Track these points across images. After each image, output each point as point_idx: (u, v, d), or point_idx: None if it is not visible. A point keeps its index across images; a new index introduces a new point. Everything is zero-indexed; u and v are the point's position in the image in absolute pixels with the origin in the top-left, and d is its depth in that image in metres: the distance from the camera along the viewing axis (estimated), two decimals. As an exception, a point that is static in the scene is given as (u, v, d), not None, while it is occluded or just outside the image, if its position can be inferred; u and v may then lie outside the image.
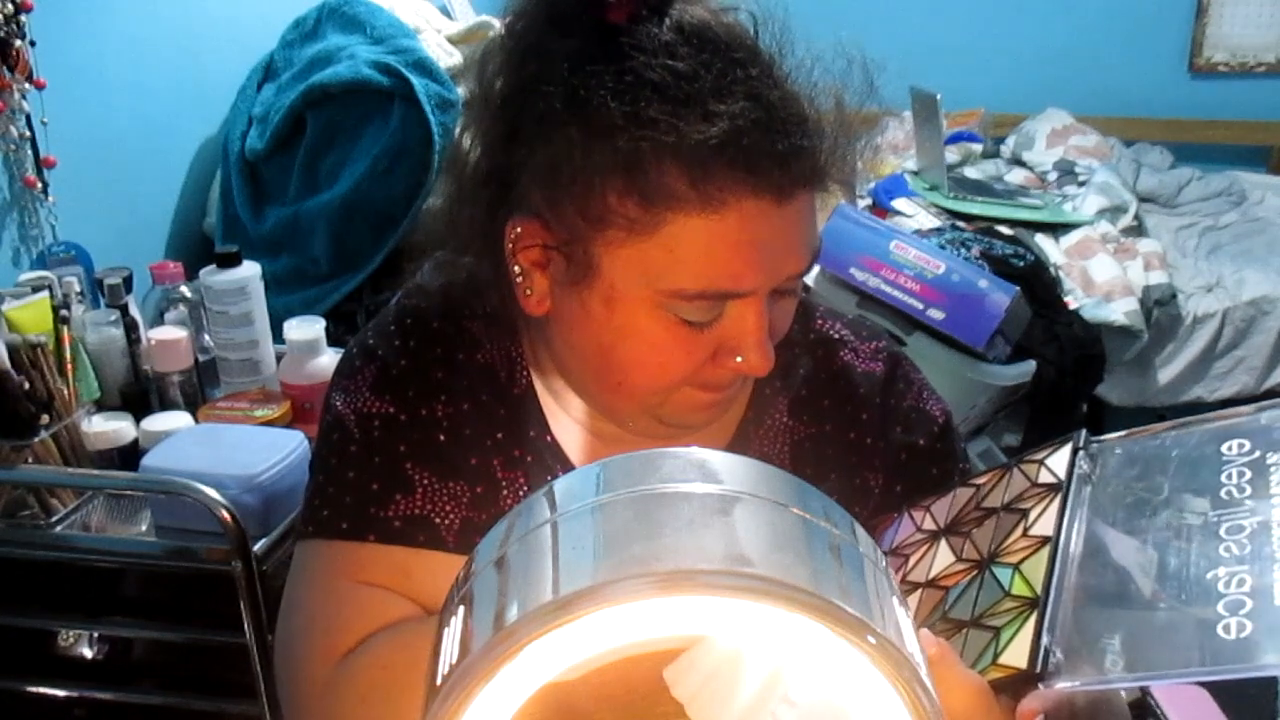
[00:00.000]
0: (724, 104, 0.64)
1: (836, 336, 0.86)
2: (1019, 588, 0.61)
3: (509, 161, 0.70)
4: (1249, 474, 0.60)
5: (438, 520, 0.76)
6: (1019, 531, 0.65)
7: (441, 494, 0.77)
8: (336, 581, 0.76)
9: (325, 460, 0.79)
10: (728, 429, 0.82)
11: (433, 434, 0.77)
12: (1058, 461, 0.68)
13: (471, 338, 0.80)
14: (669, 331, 0.68)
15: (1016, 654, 0.57)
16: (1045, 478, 0.68)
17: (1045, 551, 0.62)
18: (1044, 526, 0.64)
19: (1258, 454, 0.61)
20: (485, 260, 0.75)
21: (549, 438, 0.80)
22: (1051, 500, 0.65)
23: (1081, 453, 0.68)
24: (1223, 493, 0.60)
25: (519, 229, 0.70)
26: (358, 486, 0.76)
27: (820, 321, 0.86)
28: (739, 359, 0.70)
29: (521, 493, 0.79)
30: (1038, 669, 0.56)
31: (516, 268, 0.72)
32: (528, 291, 0.73)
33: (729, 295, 0.67)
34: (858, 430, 0.83)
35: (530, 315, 0.74)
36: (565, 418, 0.81)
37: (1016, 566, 0.63)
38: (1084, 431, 0.70)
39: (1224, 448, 0.63)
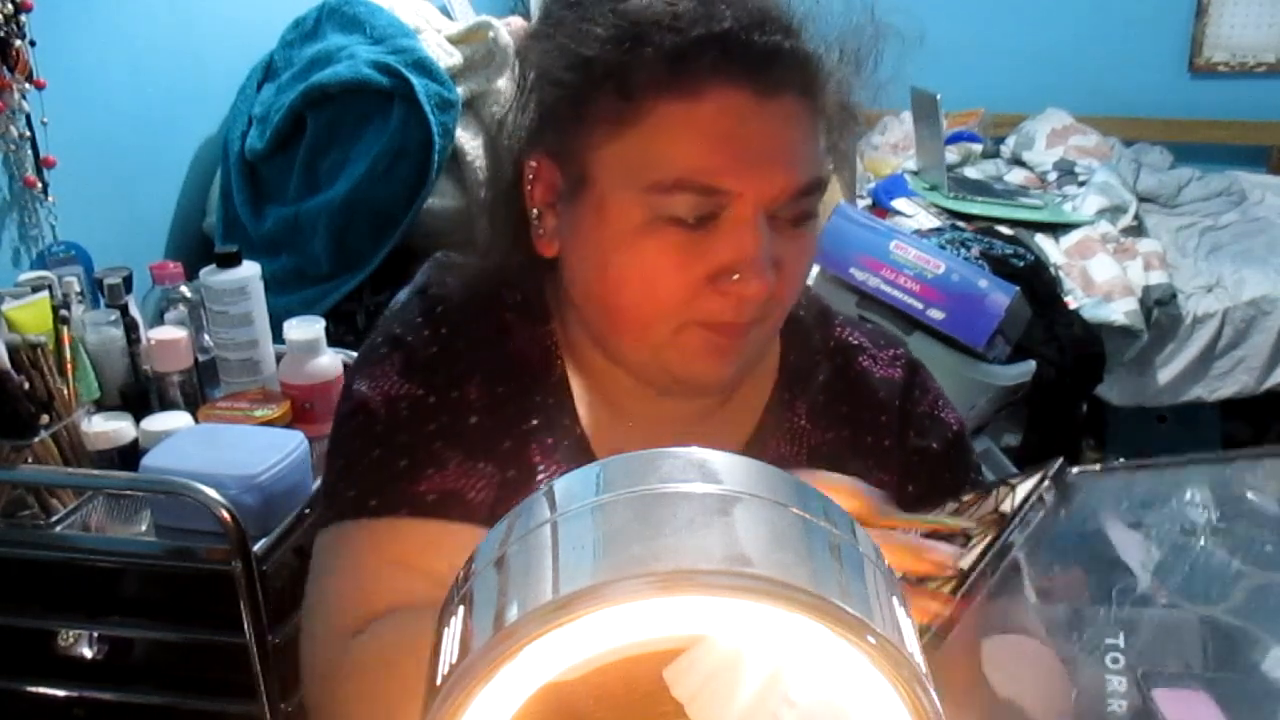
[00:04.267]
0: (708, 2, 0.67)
1: (855, 343, 0.86)
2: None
3: (529, 108, 0.74)
4: (1178, 529, 0.59)
5: (471, 496, 0.74)
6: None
7: (473, 473, 0.75)
8: (365, 559, 0.73)
9: (347, 444, 0.77)
10: (746, 428, 0.83)
11: (463, 416, 0.76)
12: (1024, 490, 0.67)
13: (503, 326, 0.80)
14: (659, 240, 0.68)
15: None
16: (1006, 505, 0.66)
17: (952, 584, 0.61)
18: (968, 559, 0.62)
19: (1201, 509, 0.60)
20: (514, 212, 0.77)
21: (579, 430, 0.80)
22: (990, 534, 0.64)
23: (1048, 483, 0.66)
24: (1146, 550, 0.59)
25: (534, 163, 0.73)
26: (386, 464, 0.74)
27: (839, 329, 0.87)
28: (735, 277, 0.68)
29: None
30: None
31: (535, 211, 0.75)
32: (540, 232, 0.75)
33: (713, 191, 0.67)
34: (875, 434, 0.83)
35: (543, 255, 0.76)
36: (598, 407, 0.80)
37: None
38: (1061, 460, 0.69)
39: (1176, 499, 0.61)
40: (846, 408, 0.84)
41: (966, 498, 0.73)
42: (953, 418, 0.86)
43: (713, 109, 0.66)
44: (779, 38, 0.68)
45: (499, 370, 0.78)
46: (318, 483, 1.34)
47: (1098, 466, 0.67)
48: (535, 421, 0.78)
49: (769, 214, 0.68)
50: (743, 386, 0.82)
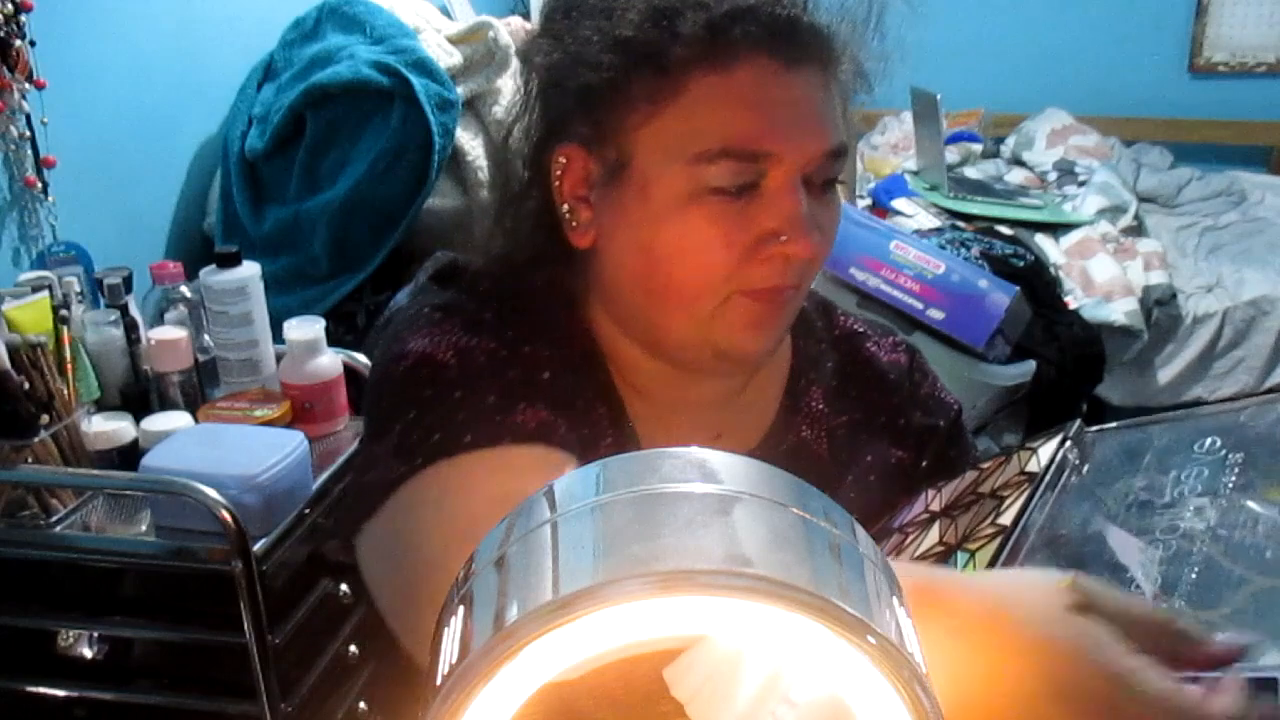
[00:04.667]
0: None
1: (860, 330, 0.92)
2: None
3: (551, 102, 0.75)
4: (1206, 473, 0.60)
5: (564, 433, 0.70)
6: (989, 519, 0.66)
7: (554, 418, 0.71)
8: (474, 495, 0.63)
9: (413, 394, 0.70)
10: (768, 415, 0.85)
11: (538, 371, 0.74)
12: (1047, 451, 0.68)
13: (538, 309, 0.80)
14: (705, 211, 0.70)
15: None
16: (1031, 466, 0.68)
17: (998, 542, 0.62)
18: (1008, 516, 0.64)
19: (1223, 453, 0.61)
20: (529, 210, 0.78)
21: (624, 407, 0.80)
22: (1024, 491, 0.65)
23: (1070, 443, 0.68)
24: (1175, 491, 0.60)
25: (563, 157, 0.74)
26: (472, 403, 0.68)
27: (843, 318, 0.92)
28: (782, 239, 0.70)
29: (609, 453, 0.77)
30: None
31: (565, 206, 0.75)
32: (574, 224, 0.76)
33: (755, 156, 0.69)
34: (888, 414, 0.88)
35: (578, 247, 0.77)
36: (627, 395, 0.81)
37: (974, 554, 0.63)
38: (1079, 422, 0.70)
39: (1197, 445, 0.63)
40: (856, 391, 0.88)
41: (986, 464, 0.74)
42: (951, 398, 0.92)
43: (747, 78, 0.69)
44: (797, 10, 0.71)
45: (558, 341, 0.79)
46: (318, 483, 1.35)
47: (1114, 425, 0.68)
48: (592, 391, 0.79)
49: (803, 178, 0.71)
50: (760, 373, 0.85)
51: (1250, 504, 0.58)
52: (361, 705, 1.38)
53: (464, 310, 0.77)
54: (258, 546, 1.21)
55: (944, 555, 0.66)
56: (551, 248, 0.78)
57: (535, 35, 0.78)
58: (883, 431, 0.87)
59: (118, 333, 1.47)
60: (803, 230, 0.70)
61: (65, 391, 1.32)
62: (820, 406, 0.86)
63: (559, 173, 0.75)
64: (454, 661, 0.40)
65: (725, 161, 0.69)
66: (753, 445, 0.83)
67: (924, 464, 0.87)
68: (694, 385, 0.81)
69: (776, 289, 0.73)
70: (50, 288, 1.41)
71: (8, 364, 1.22)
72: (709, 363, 0.77)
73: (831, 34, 0.73)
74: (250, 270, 1.49)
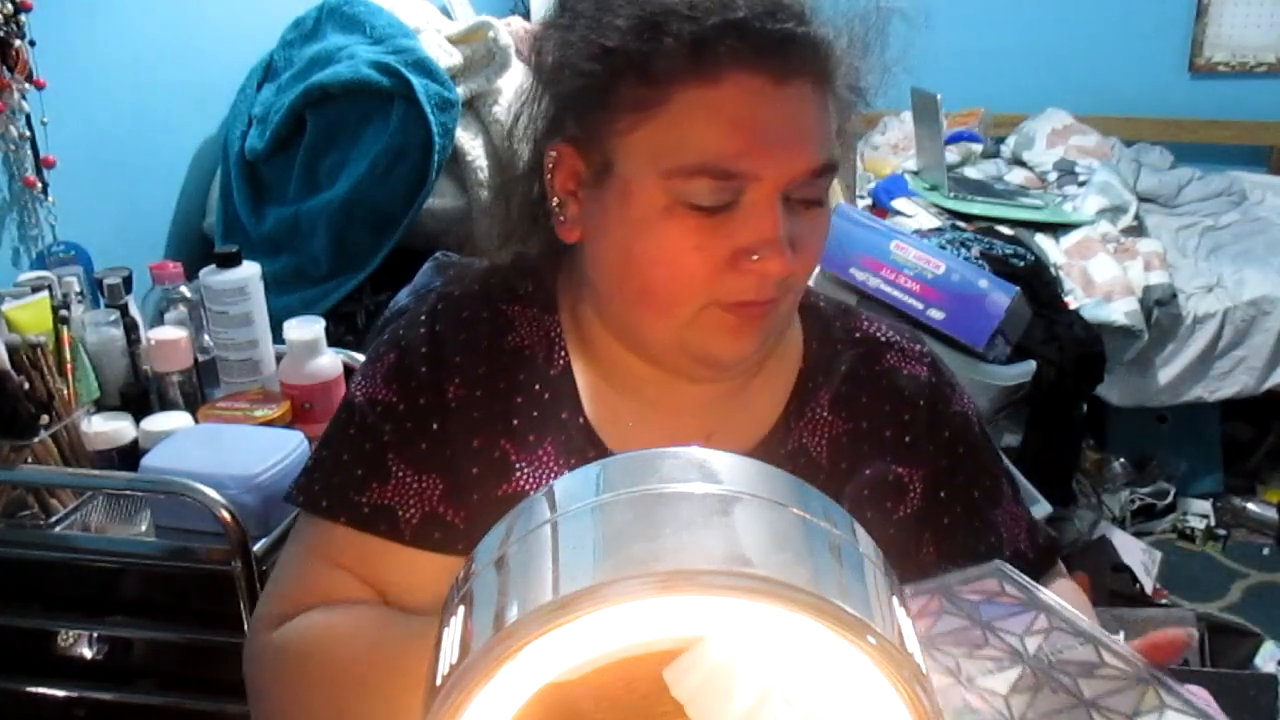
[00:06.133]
0: None
1: (883, 339, 0.87)
2: None
3: (546, 96, 0.76)
4: None
5: (400, 513, 0.78)
6: None
7: (411, 488, 0.78)
8: (306, 555, 0.80)
9: (330, 437, 0.82)
10: (769, 418, 0.83)
11: (425, 422, 0.79)
12: None
13: (505, 321, 0.82)
14: (681, 224, 0.70)
15: None
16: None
17: None
18: None
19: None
20: (528, 200, 0.80)
21: (582, 420, 0.80)
22: None
23: None
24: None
25: (554, 152, 0.75)
26: (346, 469, 0.79)
27: (865, 322, 0.88)
28: (755, 257, 0.70)
29: (547, 473, 0.79)
30: None
31: (555, 199, 0.77)
32: (562, 218, 0.77)
33: (733, 175, 0.69)
34: (895, 428, 0.84)
35: (565, 241, 0.78)
36: (602, 400, 0.81)
37: None
38: None
39: None
40: (867, 398, 0.84)
41: (1118, 662, 0.64)
42: (971, 407, 0.88)
43: (732, 94, 0.68)
44: (791, 25, 0.70)
45: (489, 367, 0.80)
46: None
47: None
48: (516, 421, 0.79)
49: (785, 195, 0.71)
50: (762, 375, 0.83)
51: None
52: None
53: (401, 348, 0.81)
54: (257, 546, 1.21)
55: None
56: (542, 238, 0.80)
57: (543, 27, 0.78)
58: (887, 445, 0.83)
59: (118, 333, 1.47)
60: (777, 249, 0.70)
61: (65, 392, 1.32)
62: (824, 413, 0.83)
63: (551, 166, 0.76)
64: (454, 661, 0.40)
65: (701, 179, 0.69)
66: (749, 447, 0.81)
67: (942, 494, 0.83)
68: (682, 386, 0.81)
69: (752, 303, 0.73)
70: (50, 288, 1.41)
71: (8, 364, 1.22)
72: (688, 366, 0.77)
73: (829, 47, 0.72)
74: (250, 270, 1.49)
